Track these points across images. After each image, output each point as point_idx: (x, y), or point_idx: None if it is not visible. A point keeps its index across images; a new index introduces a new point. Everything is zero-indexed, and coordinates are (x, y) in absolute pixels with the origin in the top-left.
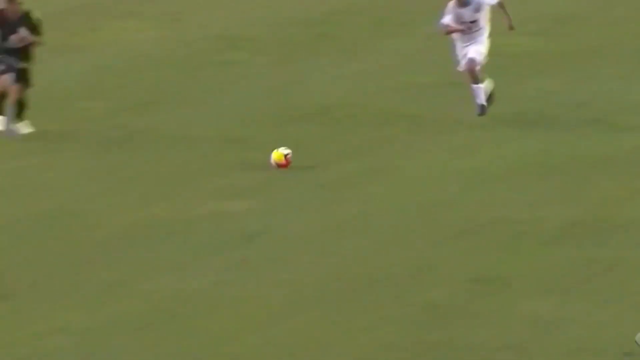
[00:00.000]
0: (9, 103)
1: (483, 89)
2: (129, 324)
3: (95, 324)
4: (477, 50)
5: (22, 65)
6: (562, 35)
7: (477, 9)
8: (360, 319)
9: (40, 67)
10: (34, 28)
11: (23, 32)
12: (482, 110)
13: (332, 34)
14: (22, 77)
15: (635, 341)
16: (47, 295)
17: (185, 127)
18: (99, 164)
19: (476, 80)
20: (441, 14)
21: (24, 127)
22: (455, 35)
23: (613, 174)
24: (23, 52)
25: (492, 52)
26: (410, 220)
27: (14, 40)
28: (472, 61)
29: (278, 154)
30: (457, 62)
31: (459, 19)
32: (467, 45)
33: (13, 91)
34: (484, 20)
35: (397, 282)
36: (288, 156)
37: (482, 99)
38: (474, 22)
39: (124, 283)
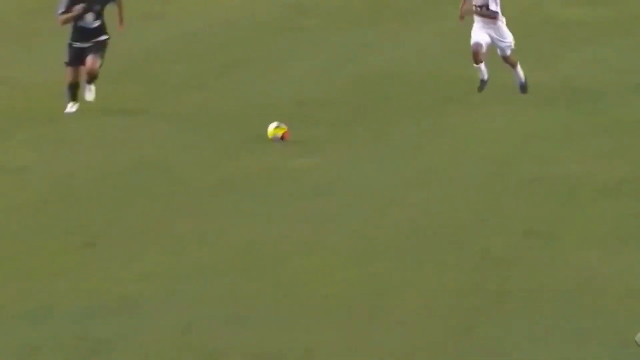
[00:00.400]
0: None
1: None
2: (209, 270)
3: (176, 270)
4: (484, 38)
5: (103, 38)
6: (611, 3)
7: None
8: (424, 266)
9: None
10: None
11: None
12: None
13: (394, 3)
14: (102, 50)
15: (635, 341)
16: (131, 243)
17: (263, 89)
18: (184, 124)
19: (478, 61)
20: None
21: (91, 94)
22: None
23: None
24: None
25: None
26: (470, 175)
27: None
28: (477, 45)
29: (278, 129)
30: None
31: (469, 1)
32: (482, 30)
33: (94, 64)
34: (496, 6)
35: (458, 232)
36: (285, 133)
37: (520, 78)
38: (482, 6)
39: (206, 232)
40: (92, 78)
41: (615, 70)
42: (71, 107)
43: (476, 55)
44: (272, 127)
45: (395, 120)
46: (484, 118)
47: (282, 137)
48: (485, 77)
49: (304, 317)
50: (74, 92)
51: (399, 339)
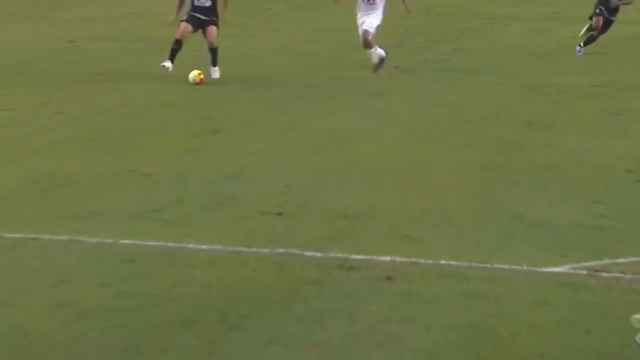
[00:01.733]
0: (208, 49)
1: (376, 53)
2: (300, 149)
3: (278, 149)
4: (370, 22)
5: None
6: None
7: None
8: (453, 148)
9: None
10: None
11: None
12: (375, 69)
13: None
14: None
15: (635, 341)
16: (247, 130)
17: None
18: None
19: (369, 46)
20: None
21: (216, 73)
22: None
23: (627, 53)
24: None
25: None
26: (489, 82)
27: None
28: (365, 32)
29: (196, 73)
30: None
31: None
32: (365, 15)
33: (212, 34)
34: None
35: (477, 124)
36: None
37: (375, 61)
38: None
39: (297, 123)
40: (214, 53)
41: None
42: (167, 64)
43: (365, 42)
44: (194, 73)
45: (432, 42)
46: (496, 41)
47: (199, 82)
48: (384, 54)
49: (368, 184)
50: (175, 52)
51: (436, 199)
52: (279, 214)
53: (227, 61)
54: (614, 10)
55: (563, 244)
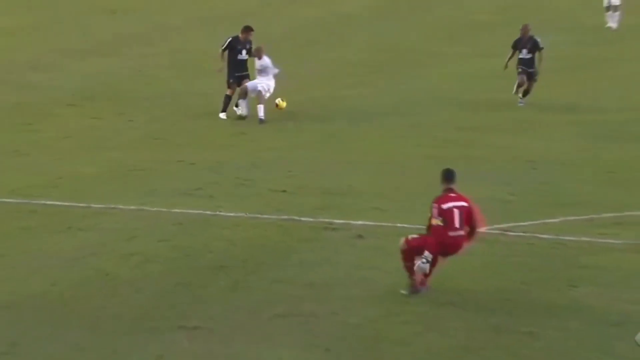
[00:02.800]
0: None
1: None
2: (302, 146)
3: (285, 146)
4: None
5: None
6: None
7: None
8: (410, 145)
9: None
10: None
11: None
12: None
13: None
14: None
15: (635, 341)
16: (264, 133)
17: None
18: None
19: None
20: None
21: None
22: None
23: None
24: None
25: None
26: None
27: None
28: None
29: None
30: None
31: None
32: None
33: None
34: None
35: (425, 128)
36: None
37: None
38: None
39: (301, 127)
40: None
41: None
42: (222, 115)
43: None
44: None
45: None
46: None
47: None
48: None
49: (349, 170)
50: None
51: (396, 180)
52: (284, 191)
53: None
54: (529, 63)
55: (484, 211)
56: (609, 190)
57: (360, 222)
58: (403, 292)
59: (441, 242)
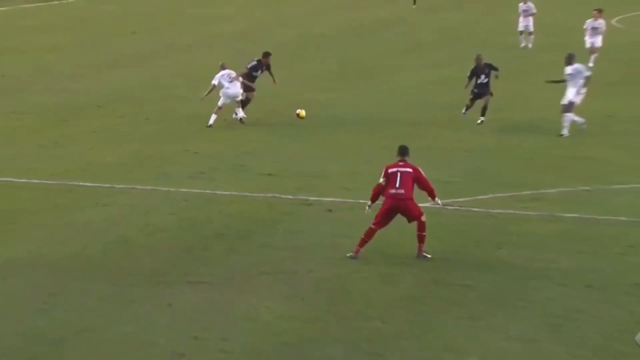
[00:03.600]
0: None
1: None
2: (286, 138)
3: (274, 138)
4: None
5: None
6: None
7: None
8: (373, 139)
9: None
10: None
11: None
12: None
13: None
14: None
15: (635, 341)
16: (256, 127)
17: None
18: None
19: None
20: None
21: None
22: None
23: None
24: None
25: None
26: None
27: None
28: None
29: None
30: None
31: None
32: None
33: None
34: None
35: (384, 126)
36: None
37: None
38: None
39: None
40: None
41: None
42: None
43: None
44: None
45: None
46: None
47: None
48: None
49: (324, 158)
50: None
51: (361, 166)
52: (270, 174)
53: None
54: (486, 86)
55: None
56: (528, 172)
57: (330, 199)
58: (348, 254)
59: (386, 197)
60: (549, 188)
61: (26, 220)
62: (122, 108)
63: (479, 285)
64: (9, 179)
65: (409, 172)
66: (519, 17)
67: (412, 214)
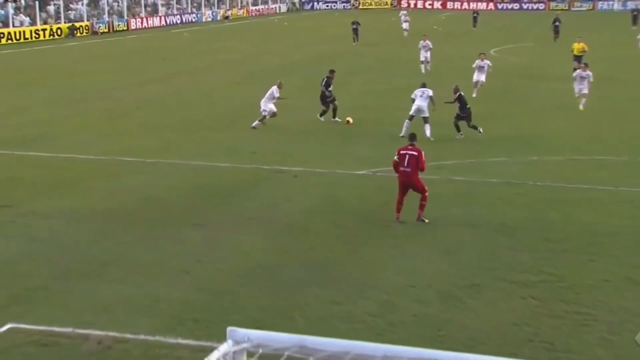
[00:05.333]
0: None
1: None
2: (266, 129)
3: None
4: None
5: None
6: None
7: None
8: (324, 124)
9: None
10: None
11: None
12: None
13: None
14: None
15: (635, 341)
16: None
17: None
18: None
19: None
20: None
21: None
22: None
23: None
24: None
25: None
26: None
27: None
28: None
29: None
30: None
31: None
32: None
33: None
34: None
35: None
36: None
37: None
38: None
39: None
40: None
41: None
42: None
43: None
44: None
45: None
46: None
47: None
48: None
49: (292, 142)
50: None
51: (318, 146)
52: (253, 152)
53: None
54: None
55: (360, 162)
56: (431, 148)
57: (296, 168)
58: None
59: (399, 173)
60: (447, 161)
61: (85, 184)
62: (154, 111)
63: (397, 228)
64: (77, 156)
65: (414, 154)
66: (419, 51)
67: (417, 188)
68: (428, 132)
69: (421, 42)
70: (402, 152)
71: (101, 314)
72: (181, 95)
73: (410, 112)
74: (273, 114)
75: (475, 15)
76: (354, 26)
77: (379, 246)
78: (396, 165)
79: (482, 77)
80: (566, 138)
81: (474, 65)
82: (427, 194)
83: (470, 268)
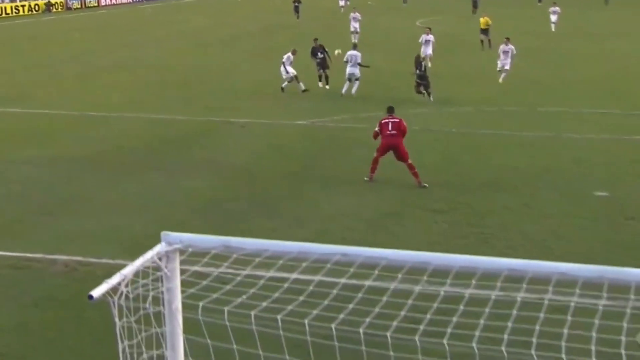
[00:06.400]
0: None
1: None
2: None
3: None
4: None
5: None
6: None
7: None
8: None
9: None
10: None
11: None
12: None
13: None
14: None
15: (636, 341)
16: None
17: None
18: None
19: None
20: None
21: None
22: None
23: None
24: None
25: None
26: None
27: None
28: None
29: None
30: None
31: None
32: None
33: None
34: None
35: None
36: None
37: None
38: None
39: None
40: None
41: None
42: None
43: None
44: None
45: None
46: None
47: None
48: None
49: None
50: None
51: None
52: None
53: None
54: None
55: (300, 114)
56: (361, 102)
57: (242, 120)
58: (365, 178)
59: (384, 137)
60: (368, 112)
61: (57, 135)
62: (119, 73)
63: (331, 169)
64: (50, 111)
65: (396, 121)
66: (349, 22)
67: (401, 154)
68: (354, 90)
69: (351, 14)
70: (384, 121)
71: (68, 243)
72: (143, 60)
73: (346, 76)
74: (290, 78)
75: None
76: (295, 4)
77: (316, 185)
78: (376, 135)
79: (429, 50)
80: (478, 93)
81: (420, 40)
82: (410, 161)
83: (393, 200)
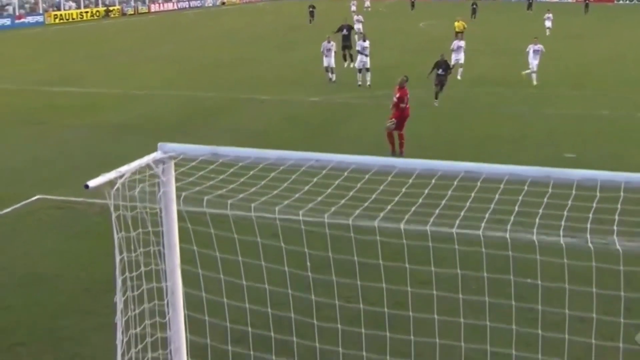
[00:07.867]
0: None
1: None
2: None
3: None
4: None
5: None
6: None
7: None
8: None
9: None
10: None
11: None
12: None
13: None
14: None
15: (636, 341)
16: None
17: None
18: None
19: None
20: None
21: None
22: None
23: None
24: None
25: None
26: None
27: None
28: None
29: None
30: None
31: None
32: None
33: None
34: None
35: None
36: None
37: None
38: None
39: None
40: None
41: None
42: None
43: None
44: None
45: None
46: None
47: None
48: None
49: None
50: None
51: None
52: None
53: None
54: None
55: (312, 91)
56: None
57: (264, 97)
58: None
59: (398, 110)
60: (383, 90)
61: (104, 108)
62: (161, 63)
63: (342, 131)
64: (100, 90)
65: (408, 96)
66: (353, 24)
67: (404, 123)
68: (368, 80)
69: (355, 17)
70: (401, 93)
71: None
72: (182, 54)
73: (357, 66)
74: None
75: (412, 1)
76: (311, 9)
77: (324, 143)
78: (397, 104)
79: (461, 57)
80: (467, 74)
81: (451, 47)
82: (403, 131)
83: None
